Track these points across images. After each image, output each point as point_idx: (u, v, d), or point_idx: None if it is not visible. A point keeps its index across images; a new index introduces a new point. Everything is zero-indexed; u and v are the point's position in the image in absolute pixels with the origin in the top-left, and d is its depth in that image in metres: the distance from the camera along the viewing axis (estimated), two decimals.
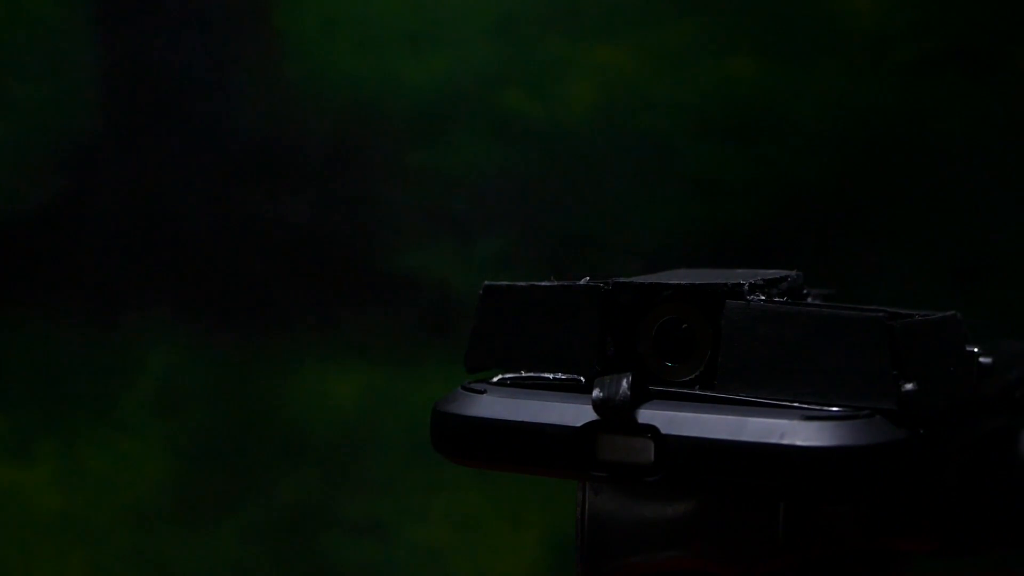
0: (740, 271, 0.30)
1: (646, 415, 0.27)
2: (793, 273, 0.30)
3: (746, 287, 0.28)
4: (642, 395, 0.27)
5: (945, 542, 0.33)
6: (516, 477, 0.30)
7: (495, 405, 0.28)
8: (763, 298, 0.27)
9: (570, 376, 0.29)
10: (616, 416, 0.27)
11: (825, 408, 0.26)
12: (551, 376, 0.29)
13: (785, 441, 0.25)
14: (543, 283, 0.30)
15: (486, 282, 0.30)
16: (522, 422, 0.28)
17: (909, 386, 0.26)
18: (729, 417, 0.26)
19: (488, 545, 0.63)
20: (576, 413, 0.27)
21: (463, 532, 0.63)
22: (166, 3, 0.64)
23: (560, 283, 0.29)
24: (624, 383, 0.27)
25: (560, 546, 0.62)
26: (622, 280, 0.29)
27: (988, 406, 0.32)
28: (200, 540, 0.63)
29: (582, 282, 0.29)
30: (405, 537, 0.63)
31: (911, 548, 0.32)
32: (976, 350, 0.30)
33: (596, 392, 0.27)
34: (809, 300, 0.30)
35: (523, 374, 0.30)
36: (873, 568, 0.31)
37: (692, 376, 0.28)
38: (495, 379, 0.30)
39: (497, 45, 0.62)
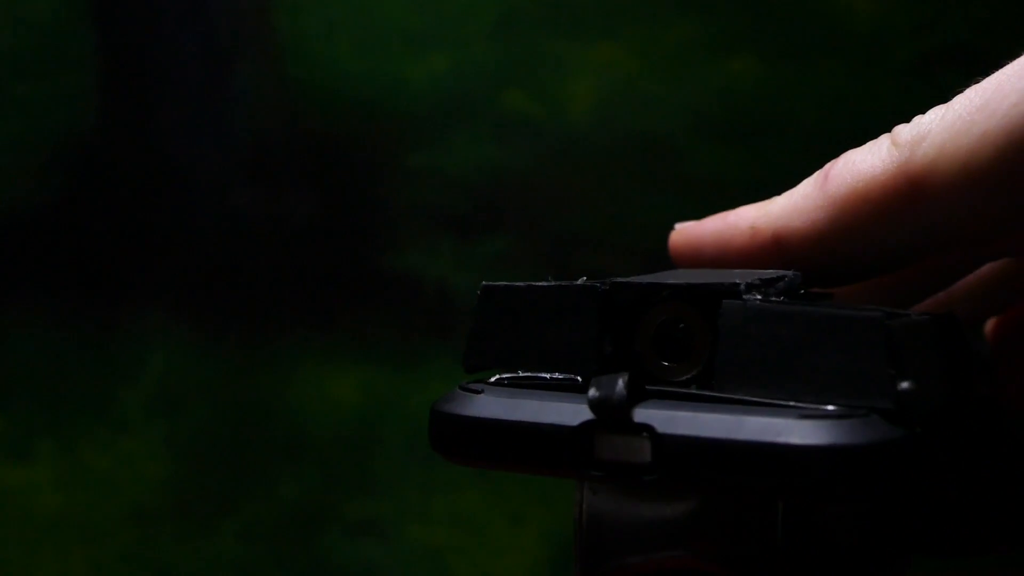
0: (738, 271, 0.30)
1: (643, 414, 0.27)
2: (791, 273, 0.29)
3: (743, 287, 0.27)
4: (639, 394, 0.27)
5: (945, 542, 0.33)
6: (516, 477, 0.30)
7: (492, 405, 0.28)
8: (760, 298, 0.27)
9: (567, 376, 0.29)
10: (613, 415, 0.27)
11: (822, 407, 0.26)
12: (548, 376, 0.29)
13: (782, 440, 0.25)
14: (541, 283, 0.29)
15: (484, 282, 0.30)
16: (519, 421, 0.28)
17: (906, 385, 0.26)
18: (726, 416, 0.26)
19: (488, 545, 0.63)
20: (573, 412, 0.27)
21: (463, 532, 0.63)
22: (166, 3, 0.64)
23: (558, 283, 0.29)
24: (621, 382, 0.27)
25: (560, 546, 0.62)
26: (620, 280, 0.29)
27: (988, 406, 0.32)
28: (200, 540, 0.63)
29: (580, 282, 0.29)
30: (405, 537, 0.63)
31: (911, 548, 0.32)
32: (976, 350, 0.30)
33: (593, 391, 0.27)
34: (807, 300, 0.30)
35: (520, 374, 0.30)
36: (873, 568, 0.31)
37: (689, 376, 0.28)
38: (492, 379, 0.30)
39: (497, 45, 0.62)
